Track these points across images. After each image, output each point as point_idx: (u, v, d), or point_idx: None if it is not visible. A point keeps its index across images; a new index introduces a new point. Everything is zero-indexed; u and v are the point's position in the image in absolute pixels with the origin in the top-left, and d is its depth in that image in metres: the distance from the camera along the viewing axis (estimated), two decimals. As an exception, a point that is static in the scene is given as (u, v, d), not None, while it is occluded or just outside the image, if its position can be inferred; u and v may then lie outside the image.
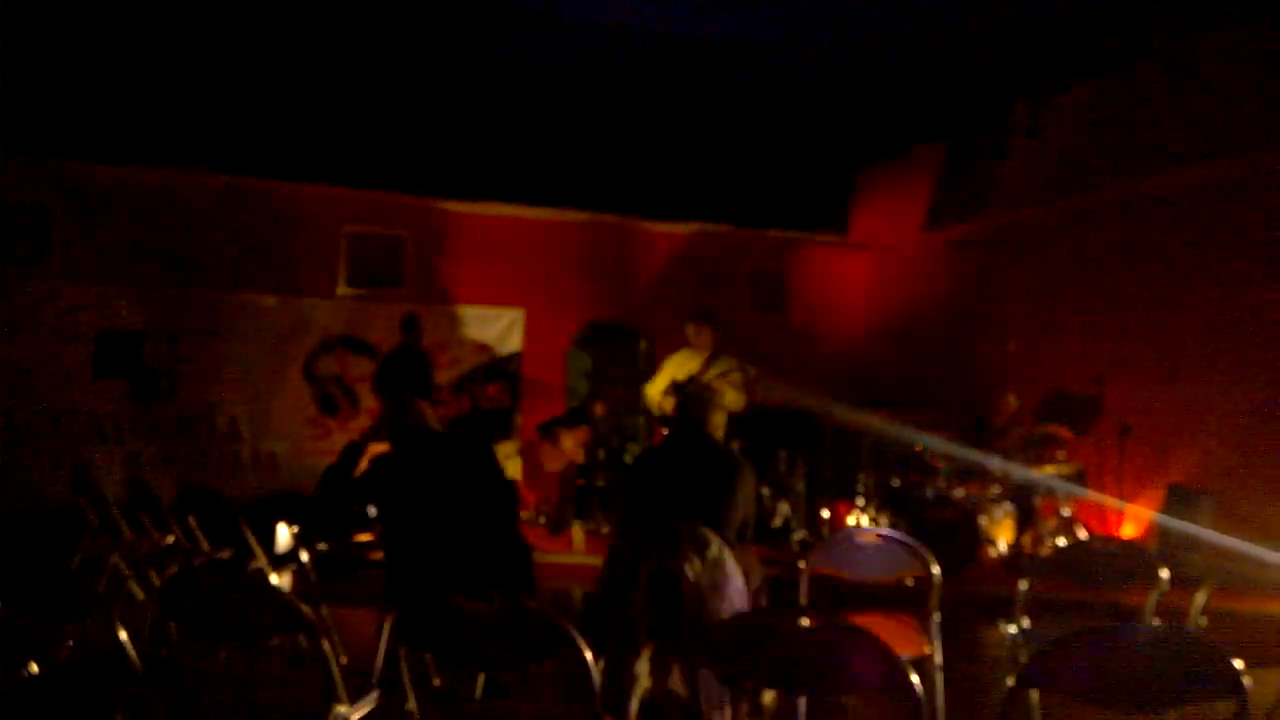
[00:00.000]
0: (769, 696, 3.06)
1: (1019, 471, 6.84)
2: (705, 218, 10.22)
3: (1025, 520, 6.88)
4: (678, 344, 7.16)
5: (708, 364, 7.01)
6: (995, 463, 6.95)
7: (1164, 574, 3.27)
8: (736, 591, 3.40)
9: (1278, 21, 6.61)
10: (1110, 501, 7.15)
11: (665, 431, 7.17)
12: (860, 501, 7.68)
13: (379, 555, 4.91)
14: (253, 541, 4.46)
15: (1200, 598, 3.23)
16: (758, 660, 2.28)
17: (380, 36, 7.63)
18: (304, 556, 4.44)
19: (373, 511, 4.96)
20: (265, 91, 8.47)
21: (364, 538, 6.36)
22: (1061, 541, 6.66)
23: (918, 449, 7.38)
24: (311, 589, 4.28)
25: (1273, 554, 5.50)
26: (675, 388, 6.69)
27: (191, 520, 4.85)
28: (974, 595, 5.48)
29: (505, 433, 9.33)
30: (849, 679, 2.16)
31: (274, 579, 4.39)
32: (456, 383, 9.21)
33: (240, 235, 8.75)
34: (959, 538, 6.53)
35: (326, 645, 2.52)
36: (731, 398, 6.70)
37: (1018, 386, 7.89)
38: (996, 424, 7.41)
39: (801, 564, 3.63)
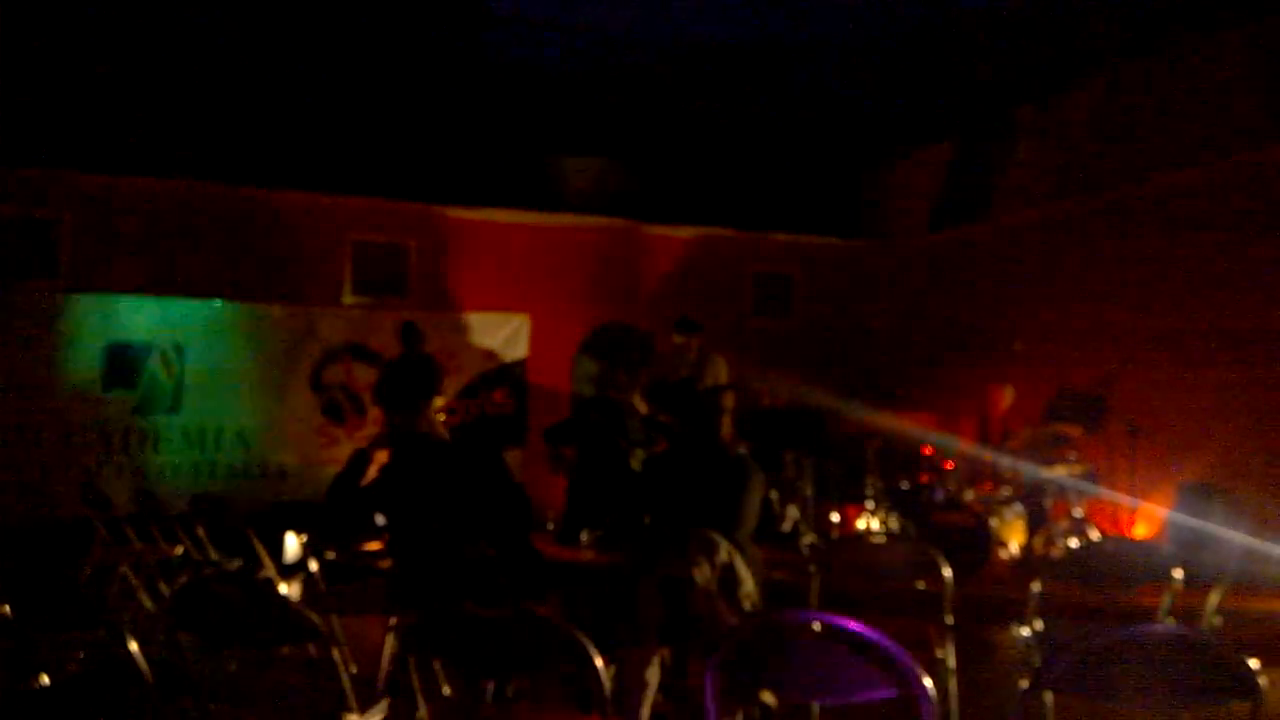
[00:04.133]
0: (771, 698, 3.04)
1: (1029, 472, 6.81)
2: (709, 221, 10.22)
3: (1036, 521, 6.84)
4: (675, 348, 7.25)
5: (698, 369, 7.04)
6: (1005, 463, 6.92)
7: (1177, 574, 3.25)
8: (746, 596, 3.39)
9: (1282, 18, 6.59)
10: (1122, 501, 7.11)
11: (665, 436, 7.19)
12: (869, 504, 7.65)
13: (387, 564, 4.91)
14: (261, 551, 4.46)
15: (1214, 597, 3.21)
16: (768, 665, 2.26)
17: (383, 45, 7.65)
18: (313, 565, 4.44)
19: (381, 520, 4.95)
20: (270, 101, 8.50)
21: (372, 546, 6.35)
22: (1074, 543, 6.62)
23: (926, 451, 7.35)
24: (320, 598, 4.28)
25: (1286, 552, 5.47)
26: (660, 389, 6.71)
27: (200, 530, 4.85)
28: (986, 598, 5.45)
29: (516, 440, 9.32)
30: (861, 684, 2.14)
31: (283, 588, 4.39)
32: (462, 390, 9.20)
33: (246, 245, 8.77)
34: (970, 540, 6.49)
35: (336, 654, 2.51)
36: (727, 399, 6.84)
37: (1026, 386, 7.86)
38: (993, 420, 7.37)
39: (812, 567, 3.61)
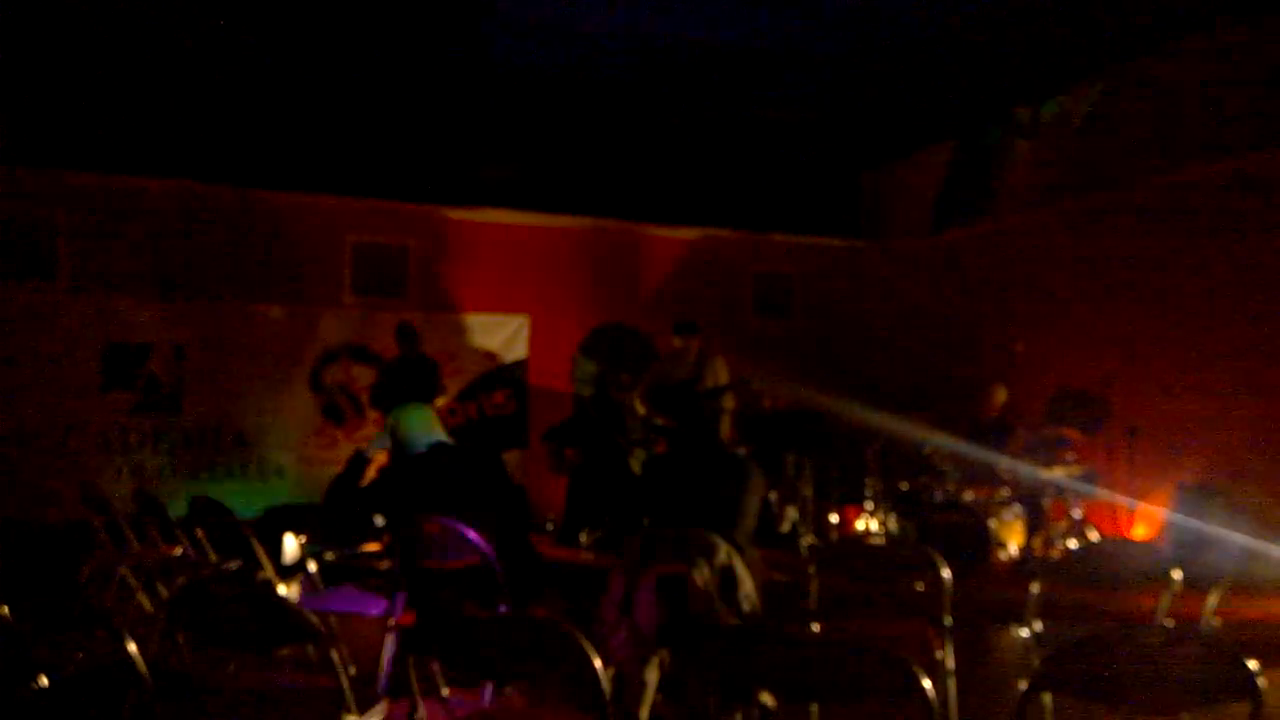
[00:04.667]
0: (770, 699, 3.04)
1: (1029, 473, 6.81)
2: (709, 222, 10.22)
3: (1035, 522, 6.85)
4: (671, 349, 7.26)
5: (698, 370, 7.04)
6: (1003, 464, 6.92)
7: (1176, 575, 3.25)
8: (746, 597, 3.39)
9: (1282, 18, 6.59)
10: (1121, 502, 7.11)
11: (664, 438, 7.20)
12: (869, 505, 7.66)
13: (386, 564, 4.91)
14: (260, 552, 4.46)
15: (1213, 598, 3.21)
16: (768, 666, 2.26)
17: (382, 46, 7.65)
18: (311, 567, 4.44)
19: (380, 520, 4.96)
20: (269, 101, 8.50)
21: (371, 547, 6.35)
22: (1073, 544, 6.63)
23: (926, 452, 7.35)
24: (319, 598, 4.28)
25: (1286, 553, 5.47)
26: (662, 394, 6.73)
27: (199, 531, 4.85)
28: (985, 599, 5.45)
29: (517, 441, 9.33)
30: (860, 685, 2.14)
31: (282, 589, 4.39)
32: (462, 391, 9.21)
33: (245, 246, 8.76)
34: (969, 541, 6.50)
35: (335, 655, 2.51)
36: (727, 400, 6.86)
37: (1026, 387, 7.87)
38: (986, 418, 7.37)
39: (811, 569, 3.61)
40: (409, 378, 7.70)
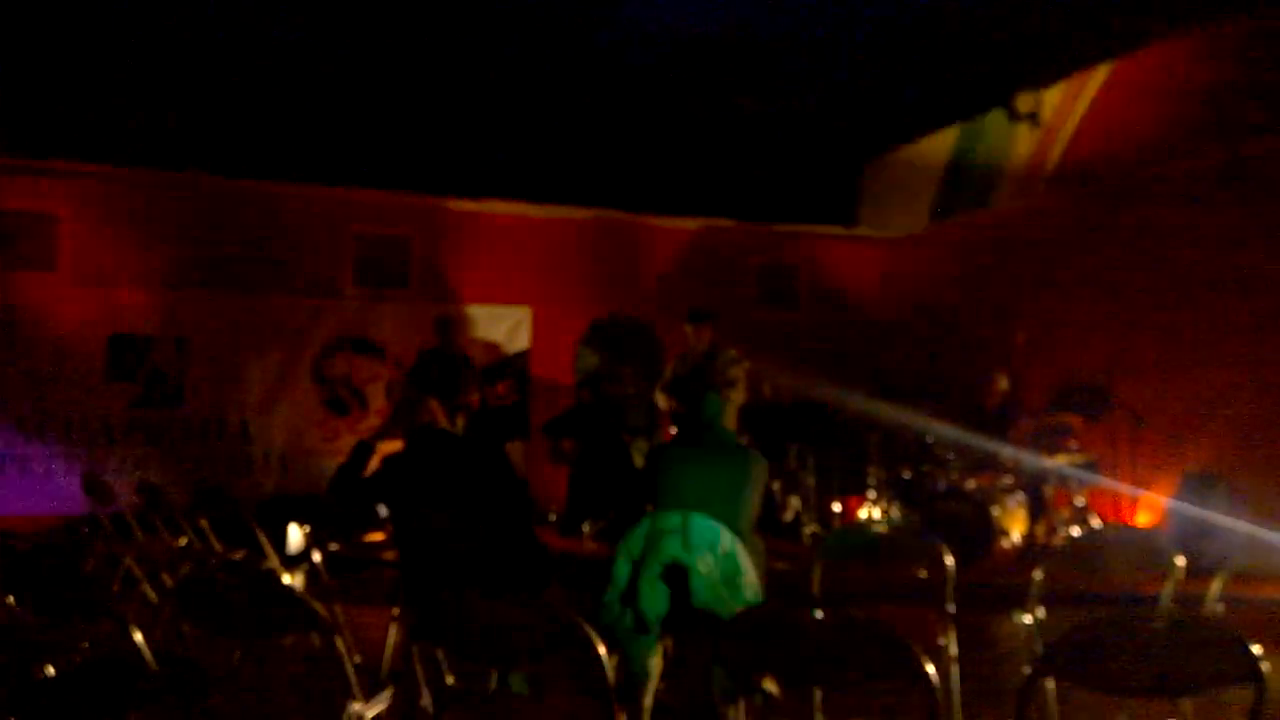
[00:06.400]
0: (774, 687, 3.04)
1: (1031, 461, 6.81)
2: (711, 213, 10.20)
3: (1038, 510, 6.86)
4: (685, 341, 7.22)
5: (708, 360, 7.02)
6: (1007, 451, 6.92)
7: (1179, 561, 3.25)
8: (749, 585, 3.39)
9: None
10: (1124, 490, 7.12)
11: (673, 429, 7.20)
12: (871, 494, 7.66)
13: (391, 554, 4.93)
14: (265, 542, 4.47)
15: (1216, 584, 3.21)
16: (771, 654, 2.27)
17: (384, 37, 7.63)
18: (316, 556, 4.46)
19: (384, 511, 4.96)
20: (270, 93, 8.49)
21: (375, 537, 6.37)
22: (1075, 531, 6.64)
23: (929, 440, 7.35)
24: (324, 588, 4.29)
25: (1289, 540, 5.47)
26: (675, 384, 6.72)
27: (204, 522, 4.86)
28: (988, 586, 5.46)
29: (520, 432, 9.33)
30: (864, 671, 2.14)
31: (286, 579, 4.40)
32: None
33: (247, 237, 8.76)
34: (972, 529, 6.51)
35: (340, 643, 2.52)
36: (737, 393, 6.81)
37: (1028, 376, 7.87)
38: (988, 407, 7.37)
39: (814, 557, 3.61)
40: (435, 371, 7.76)
